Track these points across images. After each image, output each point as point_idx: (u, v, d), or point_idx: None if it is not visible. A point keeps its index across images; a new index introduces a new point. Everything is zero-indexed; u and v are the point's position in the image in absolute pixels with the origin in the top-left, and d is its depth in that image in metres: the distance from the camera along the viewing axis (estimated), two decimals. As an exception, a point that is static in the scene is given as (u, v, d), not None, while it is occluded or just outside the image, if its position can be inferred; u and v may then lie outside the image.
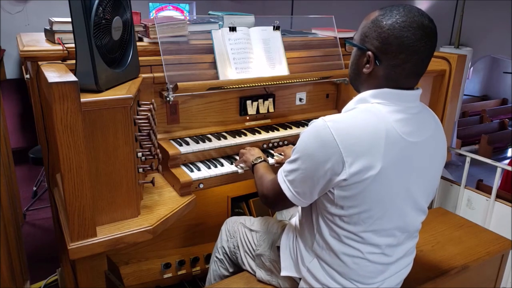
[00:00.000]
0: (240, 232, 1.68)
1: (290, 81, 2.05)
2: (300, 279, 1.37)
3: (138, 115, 1.47)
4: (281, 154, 1.90)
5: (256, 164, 1.58)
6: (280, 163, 1.82)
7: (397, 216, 1.18)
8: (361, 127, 1.08)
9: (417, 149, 1.15)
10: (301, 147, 1.15)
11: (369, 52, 1.13)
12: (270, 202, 1.35)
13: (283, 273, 1.42)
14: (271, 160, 1.84)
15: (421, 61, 1.11)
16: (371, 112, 1.11)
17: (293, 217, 1.57)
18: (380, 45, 1.10)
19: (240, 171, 1.77)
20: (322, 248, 1.25)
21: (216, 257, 1.76)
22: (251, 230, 1.65)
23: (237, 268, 1.72)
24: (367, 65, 1.15)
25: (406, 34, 1.06)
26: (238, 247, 1.67)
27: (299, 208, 1.39)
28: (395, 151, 1.09)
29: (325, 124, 1.09)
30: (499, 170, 2.61)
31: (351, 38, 1.24)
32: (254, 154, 1.68)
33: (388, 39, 1.08)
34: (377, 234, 1.18)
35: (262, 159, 1.61)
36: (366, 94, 1.16)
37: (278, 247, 1.47)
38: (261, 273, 1.56)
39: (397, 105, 1.12)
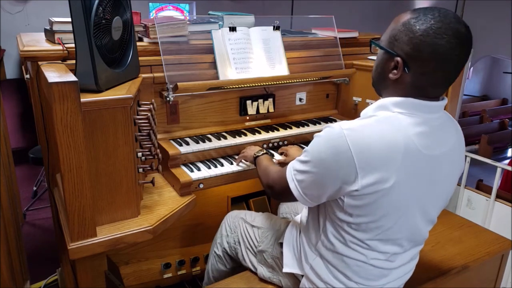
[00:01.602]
0: (241, 227, 1.67)
1: (290, 81, 2.05)
2: (302, 276, 1.37)
3: (138, 115, 1.47)
4: (281, 154, 1.90)
5: (258, 156, 1.58)
6: (282, 163, 1.82)
7: (406, 227, 1.16)
8: (378, 139, 1.03)
9: (435, 162, 1.10)
10: (313, 151, 1.11)
11: (398, 58, 1.06)
12: (276, 193, 1.33)
13: (285, 270, 1.41)
14: (278, 156, 1.84)
15: (453, 70, 1.05)
16: (391, 123, 1.06)
17: (298, 214, 1.57)
18: (411, 51, 1.03)
19: (240, 168, 1.77)
20: (326, 248, 1.24)
21: (215, 252, 1.76)
22: (252, 226, 1.64)
23: (235, 264, 1.72)
24: (394, 71, 1.08)
25: (440, 42, 0.99)
26: (239, 242, 1.66)
27: (304, 208, 1.39)
28: (411, 165, 1.05)
29: (341, 132, 1.04)
30: (499, 170, 2.61)
31: (378, 39, 1.16)
32: (254, 149, 1.69)
33: (420, 45, 1.01)
34: (384, 243, 1.17)
35: (264, 151, 1.61)
36: (388, 101, 1.10)
37: (281, 244, 1.47)
38: (262, 270, 1.56)
39: (419, 116, 1.07)
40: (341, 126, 1.05)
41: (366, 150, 1.02)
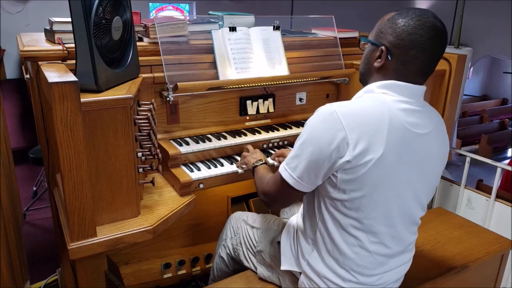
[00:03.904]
0: (243, 229, 1.70)
1: (290, 81, 2.05)
2: (300, 273, 1.38)
3: (138, 115, 1.47)
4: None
5: (257, 166, 1.58)
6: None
7: (398, 205, 1.20)
8: (366, 111, 1.13)
9: (420, 141, 1.18)
10: (307, 132, 1.17)
11: (382, 47, 1.18)
12: (271, 198, 1.34)
13: (283, 267, 1.42)
14: (271, 161, 1.84)
15: (430, 60, 1.17)
16: (376, 100, 1.16)
17: (295, 215, 1.58)
18: (394, 40, 1.16)
19: (240, 171, 1.77)
20: (323, 237, 1.26)
21: (219, 254, 1.79)
22: (252, 227, 1.67)
23: (238, 266, 1.73)
24: (379, 59, 1.20)
25: (419, 32, 1.12)
26: (240, 244, 1.68)
27: (300, 206, 1.40)
28: (397, 138, 1.13)
29: (332, 109, 1.13)
30: (499, 170, 2.61)
31: (366, 36, 1.29)
32: (255, 157, 1.68)
33: (402, 34, 1.14)
34: (377, 222, 1.19)
35: (263, 161, 1.61)
36: (373, 85, 1.21)
37: (279, 242, 1.48)
38: (262, 270, 1.57)
39: (402, 96, 1.17)
40: (331, 105, 1.15)
41: (355, 120, 1.11)
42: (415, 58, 1.15)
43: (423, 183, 1.23)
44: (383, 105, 1.14)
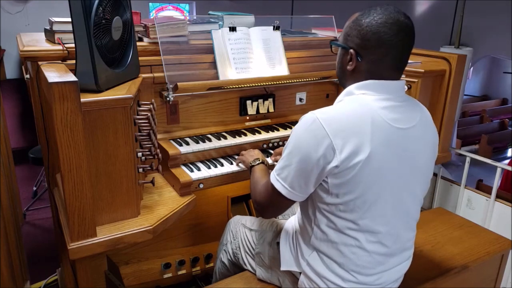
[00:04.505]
0: (241, 233, 1.70)
1: (290, 81, 2.06)
2: (300, 273, 1.38)
3: (138, 115, 1.47)
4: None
5: (253, 166, 1.57)
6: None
7: (393, 202, 1.20)
8: (347, 114, 1.14)
9: (406, 135, 1.18)
10: (293, 141, 1.19)
11: (351, 50, 1.20)
12: (263, 207, 1.34)
13: (283, 268, 1.42)
14: (270, 161, 1.84)
15: (400, 55, 1.17)
16: (357, 102, 1.17)
17: (293, 216, 1.58)
18: (360, 42, 1.17)
19: (240, 168, 1.77)
20: (321, 240, 1.26)
21: (221, 258, 1.79)
22: (251, 229, 1.67)
23: (238, 270, 1.73)
24: (350, 62, 1.21)
25: (383, 30, 1.13)
26: (239, 248, 1.68)
27: (298, 206, 1.40)
28: (382, 136, 1.13)
29: (314, 116, 1.14)
30: (499, 170, 2.61)
31: (337, 39, 1.31)
32: (253, 155, 1.68)
33: (367, 35, 1.15)
34: (373, 221, 1.19)
35: (260, 160, 1.59)
36: (351, 87, 1.22)
37: (278, 243, 1.48)
38: (261, 271, 1.57)
39: (381, 94, 1.17)
40: (313, 112, 1.16)
41: (338, 125, 1.12)
42: (385, 56, 1.16)
43: (416, 176, 1.24)
44: (364, 106, 1.15)
